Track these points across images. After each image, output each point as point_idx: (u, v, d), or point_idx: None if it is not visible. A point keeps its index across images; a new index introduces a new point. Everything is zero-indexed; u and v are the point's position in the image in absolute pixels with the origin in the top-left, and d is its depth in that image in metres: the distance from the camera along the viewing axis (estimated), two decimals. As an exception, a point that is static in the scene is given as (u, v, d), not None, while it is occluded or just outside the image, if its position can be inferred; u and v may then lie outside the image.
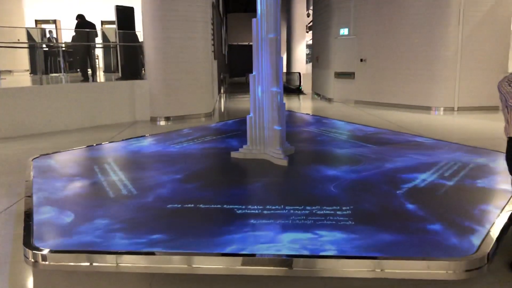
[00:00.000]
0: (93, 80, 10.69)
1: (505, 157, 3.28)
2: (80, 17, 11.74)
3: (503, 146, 3.36)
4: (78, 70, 11.84)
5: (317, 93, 16.33)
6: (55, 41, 14.93)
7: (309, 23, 25.94)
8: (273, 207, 3.66)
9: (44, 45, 13.63)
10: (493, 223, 3.26)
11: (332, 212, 3.52)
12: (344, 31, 13.44)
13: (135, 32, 11.54)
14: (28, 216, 3.58)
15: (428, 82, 11.17)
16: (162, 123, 10.05)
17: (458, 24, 10.57)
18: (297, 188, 4.43)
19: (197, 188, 4.40)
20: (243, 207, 3.71)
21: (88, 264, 2.88)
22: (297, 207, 3.63)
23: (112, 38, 12.70)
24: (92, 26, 11.92)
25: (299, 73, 19.31)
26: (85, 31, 11.41)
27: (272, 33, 5.32)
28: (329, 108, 12.86)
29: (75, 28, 11.55)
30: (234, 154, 5.70)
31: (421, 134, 7.46)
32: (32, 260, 2.94)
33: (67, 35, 15.14)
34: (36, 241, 3.07)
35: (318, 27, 16.25)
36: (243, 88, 22.82)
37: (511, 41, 10.80)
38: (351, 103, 13.34)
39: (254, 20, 5.42)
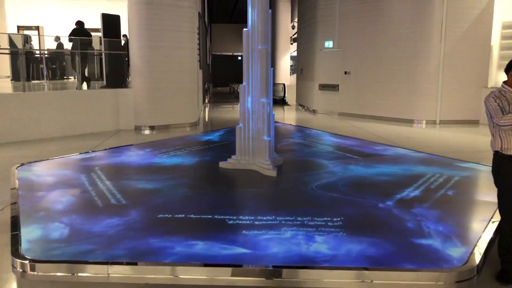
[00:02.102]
0: (77, 88, 10.55)
1: (491, 169, 3.34)
2: (79, 24, 11.61)
3: (487, 159, 3.43)
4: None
5: (301, 105, 16.46)
6: (33, 48, 14.69)
7: (293, 35, 26.16)
8: (265, 218, 3.67)
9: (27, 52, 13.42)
10: (481, 235, 3.33)
11: (323, 223, 3.54)
12: (329, 44, 13.62)
13: (120, 40, 11.46)
14: (15, 225, 3.51)
15: (410, 95, 11.38)
16: (147, 132, 9.97)
17: (440, 40, 10.84)
18: (287, 199, 4.44)
19: (186, 198, 4.38)
20: (234, 217, 3.70)
21: (76, 274, 2.84)
22: (288, 218, 3.65)
23: (97, 46, 12.56)
24: (88, 34, 11.81)
25: (284, 84, 19.42)
26: (81, 38, 11.28)
27: (262, 44, 5.37)
28: (314, 119, 12.96)
29: (71, 33, 11.41)
30: (222, 164, 5.69)
31: (406, 146, 7.57)
32: (20, 270, 2.87)
33: (50, 42, 14.92)
34: (24, 251, 3.01)
35: (303, 39, 16.43)
36: (227, 98, 22.83)
37: (491, 57, 11.09)
38: (335, 115, 13.47)
39: (245, 31, 5.45)
